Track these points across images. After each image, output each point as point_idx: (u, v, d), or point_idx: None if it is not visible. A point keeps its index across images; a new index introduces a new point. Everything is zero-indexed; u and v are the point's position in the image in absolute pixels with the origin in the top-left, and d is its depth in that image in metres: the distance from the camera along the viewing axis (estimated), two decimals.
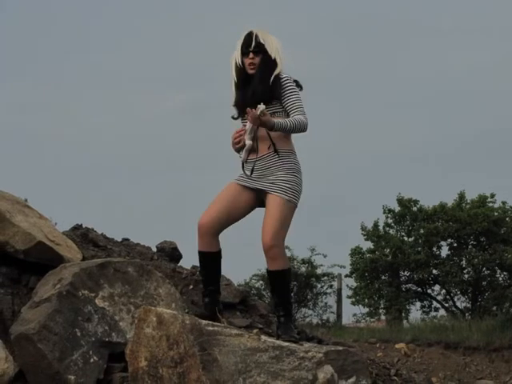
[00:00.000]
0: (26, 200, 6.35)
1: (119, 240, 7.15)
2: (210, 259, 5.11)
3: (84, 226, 7.01)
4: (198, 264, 6.74)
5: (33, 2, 44.78)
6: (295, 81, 5.16)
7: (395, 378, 5.59)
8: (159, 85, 43.92)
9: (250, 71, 5.07)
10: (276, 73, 5.07)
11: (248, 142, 5.01)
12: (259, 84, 5.04)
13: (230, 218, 5.06)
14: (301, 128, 5.00)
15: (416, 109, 36.93)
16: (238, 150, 5.12)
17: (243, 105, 5.04)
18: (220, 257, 5.16)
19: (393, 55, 40.23)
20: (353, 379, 4.52)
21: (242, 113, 5.11)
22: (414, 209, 18.76)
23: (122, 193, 33.51)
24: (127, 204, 30.62)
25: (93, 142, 40.15)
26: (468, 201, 18.85)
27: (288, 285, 5.17)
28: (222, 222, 5.03)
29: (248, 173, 5.05)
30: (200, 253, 5.11)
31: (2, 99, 41.36)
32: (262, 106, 4.85)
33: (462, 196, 18.88)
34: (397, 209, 18.88)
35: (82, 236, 6.74)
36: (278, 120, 4.93)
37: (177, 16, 43.00)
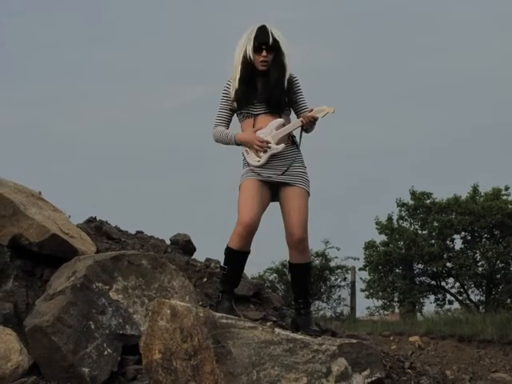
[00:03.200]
0: (40, 193, 6.36)
1: (133, 233, 7.16)
2: (243, 259, 5.01)
3: (98, 219, 7.02)
4: (211, 257, 6.79)
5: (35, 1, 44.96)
6: None
7: (409, 370, 5.57)
8: (174, 80, 43.92)
9: (261, 67, 4.94)
10: (288, 75, 5.00)
11: (280, 147, 4.96)
12: (275, 89, 4.94)
13: (262, 214, 4.96)
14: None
15: (428, 101, 36.79)
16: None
17: (247, 102, 4.97)
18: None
19: (401, 48, 40.09)
20: (367, 372, 4.49)
21: (243, 107, 5.01)
22: (427, 202, 18.72)
23: (136, 186, 33.57)
24: (141, 197, 30.67)
25: (107, 135, 40.27)
26: (482, 193, 18.78)
27: (310, 277, 5.17)
28: (260, 219, 4.90)
29: (283, 169, 4.95)
30: (238, 252, 4.93)
31: (16, 95, 41.54)
32: (329, 109, 4.87)
33: (475, 189, 18.81)
34: (410, 202, 18.84)
35: (96, 229, 6.75)
36: None
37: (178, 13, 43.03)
